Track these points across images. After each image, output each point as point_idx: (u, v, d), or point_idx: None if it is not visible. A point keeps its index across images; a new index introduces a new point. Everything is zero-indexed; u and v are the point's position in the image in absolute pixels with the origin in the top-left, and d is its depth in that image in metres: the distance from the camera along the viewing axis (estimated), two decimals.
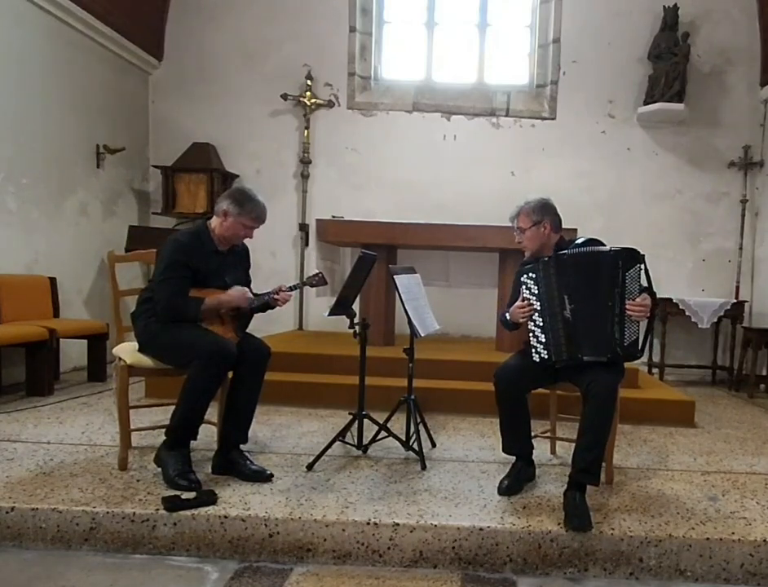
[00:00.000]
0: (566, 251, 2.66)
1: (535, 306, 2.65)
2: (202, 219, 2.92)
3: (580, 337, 2.57)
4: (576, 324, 2.57)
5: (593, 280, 2.56)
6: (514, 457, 2.78)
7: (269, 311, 3.00)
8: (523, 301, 2.69)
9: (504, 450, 2.79)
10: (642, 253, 2.57)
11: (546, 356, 2.63)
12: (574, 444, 2.55)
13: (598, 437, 2.48)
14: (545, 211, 2.75)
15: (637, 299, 2.52)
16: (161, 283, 2.70)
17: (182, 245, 2.73)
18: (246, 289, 2.84)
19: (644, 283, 2.57)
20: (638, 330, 2.58)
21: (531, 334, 2.67)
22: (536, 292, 2.65)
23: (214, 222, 2.83)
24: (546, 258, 2.65)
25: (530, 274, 2.68)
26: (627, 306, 2.52)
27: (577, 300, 2.57)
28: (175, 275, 2.68)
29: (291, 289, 2.93)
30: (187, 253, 2.71)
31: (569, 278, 2.59)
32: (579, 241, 2.71)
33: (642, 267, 2.55)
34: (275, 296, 2.88)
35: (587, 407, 2.51)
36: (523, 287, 2.69)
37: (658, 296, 2.70)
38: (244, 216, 2.77)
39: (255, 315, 2.94)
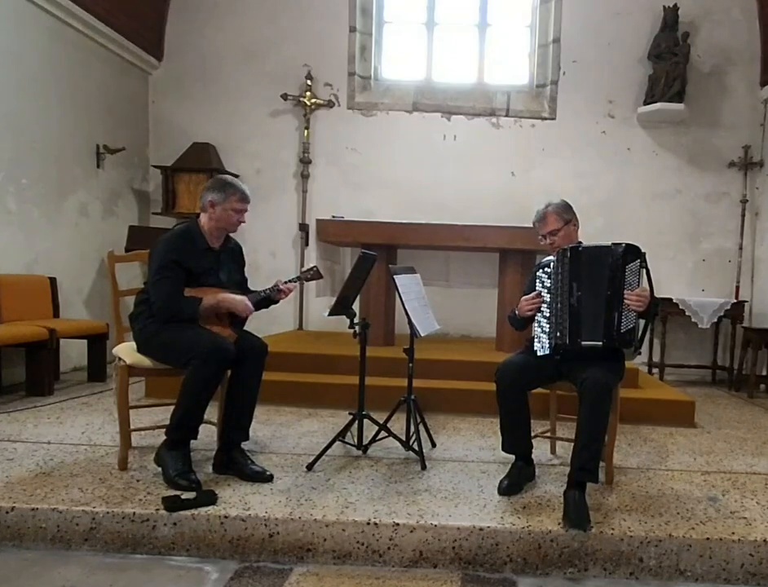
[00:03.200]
0: (580, 244, 2.78)
1: (545, 299, 2.74)
2: (192, 218, 2.92)
3: (581, 321, 2.65)
4: (580, 309, 2.66)
5: (597, 270, 2.66)
6: (514, 457, 2.79)
7: (272, 308, 3.00)
8: (534, 294, 2.77)
9: (503, 449, 2.79)
10: (642, 250, 2.65)
11: (548, 343, 2.70)
12: (572, 444, 2.56)
13: (593, 435, 2.50)
14: (571, 210, 2.90)
15: (636, 290, 2.60)
16: (156, 284, 2.70)
17: (172, 245, 2.73)
18: (247, 299, 2.82)
19: (645, 283, 2.64)
20: (635, 321, 2.64)
21: (536, 325, 2.76)
22: (549, 285, 2.75)
23: (203, 218, 2.83)
24: (563, 248, 2.74)
25: (545, 268, 2.78)
26: (624, 295, 2.59)
27: (583, 288, 2.67)
28: (169, 274, 2.68)
29: (290, 281, 2.95)
30: (179, 252, 2.71)
31: (579, 268, 2.68)
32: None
33: (643, 264, 2.63)
34: (279, 288, 2.89)
35: (581, 405, 2.55)
36: (537, 281, 2.80)
37: (659, 296, 2.76)
38: (230, 200, 2.78)
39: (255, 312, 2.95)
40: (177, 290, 2.69)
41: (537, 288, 2.78)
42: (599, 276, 2.64)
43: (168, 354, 2.71)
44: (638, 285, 2.61)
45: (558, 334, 2.67)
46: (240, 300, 2.78)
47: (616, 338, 2.62)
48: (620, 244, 2.65)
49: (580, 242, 2.87)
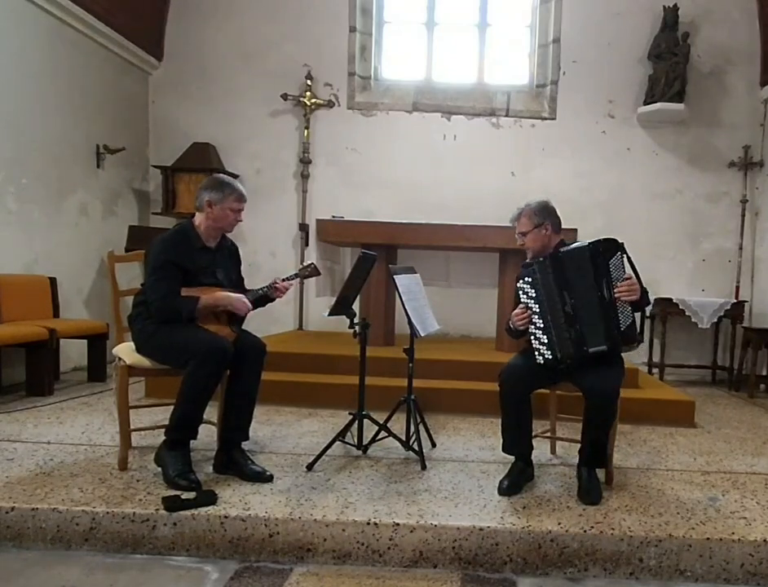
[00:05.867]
0: (559, 250, 2.73)
1: (534, 310, 2.70)
2: (187, 218, 2.92)
3: (582, 329, 2.63)
4: (577, 317, 2.63)
5: (582, 274, 2.64)
6: (514, 457, 2.78)
7: (272, 308, 3.00)
8: (521, 307, 2.73)
9: (504, 450, 2.79)
10: (620, 241, 2.65)
11: (551, 356, 2.66)
12: (572, 444, 2.57)
13: (599, 433, 2.59)
14: (545, 213, 2.82)
15: (624, 280, 2.60)
16: (152, 285, 2.69)
17: (168, 245, 2.73)
18: (246, 299, 2.82)
19: (630, 271, 2.64)
20: (632, 315, 2.63)
21: (532, 337, 2.71)
22: (534, 295, 2.70)
23: (199, 217, 2.83)
24: (541, 259, 2.71)
25: (526, 278, 2.73)
26: (615, 291, 2.59)
27: (574, 294, 2.64)
28: (165, 275, 2.68)
29: (287, 279, 2.95)
30: (174, 252, 2.71)
31: (566, 274, 2.66)
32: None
33: (623, 254, 2.63)
34: (275, 286, 2.90)
35: (588, 410, 2.59)
36: (520, 292, 2.74)
37: (660, 296, 2.76)
38: (228, 199, 2.78)
39: (253, 311, 2.95)
40: (173, 290, 2.68)
41: (523, 300, 2.72)
42: (586, 280, 2.62)
43: (167, 354, 2.71)
44: (624, 274, 2.62)
45: (563, 346, 2.64)
46: (237, 298, 2.78)
47: (619, 337, 2.62)
48: (597, 241, 2.64)
49: (562, 241, 2.83)
